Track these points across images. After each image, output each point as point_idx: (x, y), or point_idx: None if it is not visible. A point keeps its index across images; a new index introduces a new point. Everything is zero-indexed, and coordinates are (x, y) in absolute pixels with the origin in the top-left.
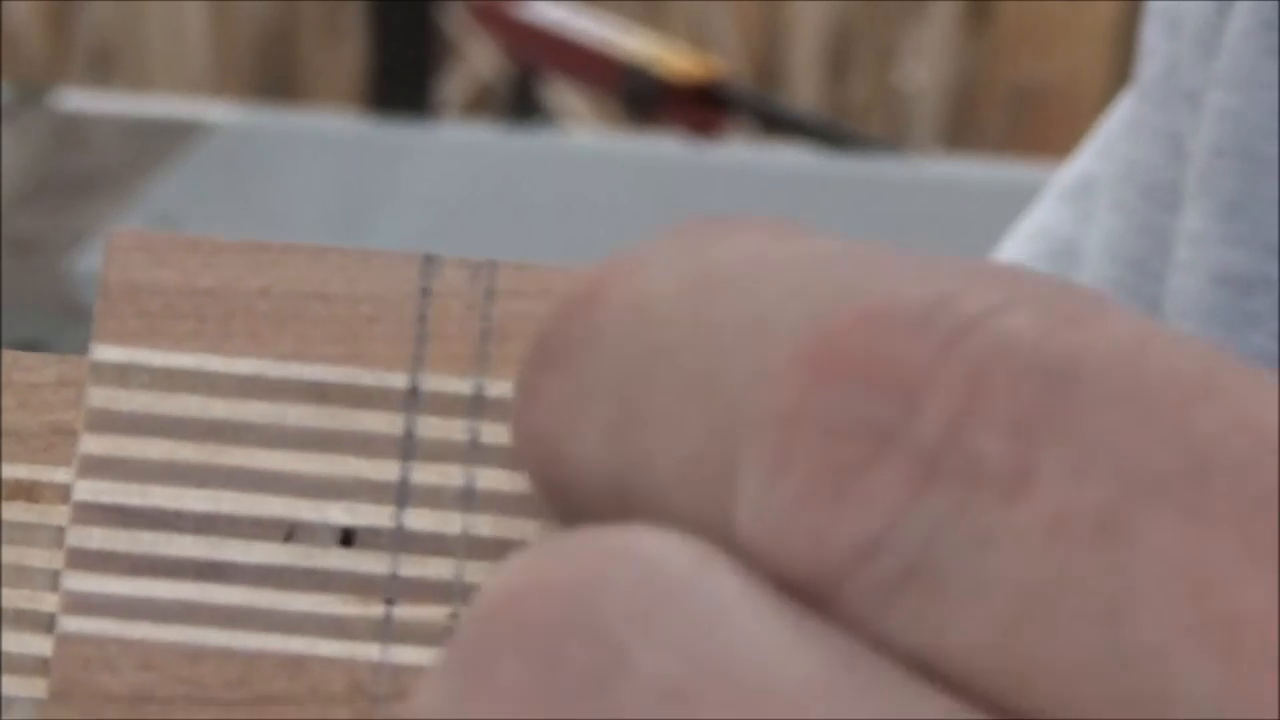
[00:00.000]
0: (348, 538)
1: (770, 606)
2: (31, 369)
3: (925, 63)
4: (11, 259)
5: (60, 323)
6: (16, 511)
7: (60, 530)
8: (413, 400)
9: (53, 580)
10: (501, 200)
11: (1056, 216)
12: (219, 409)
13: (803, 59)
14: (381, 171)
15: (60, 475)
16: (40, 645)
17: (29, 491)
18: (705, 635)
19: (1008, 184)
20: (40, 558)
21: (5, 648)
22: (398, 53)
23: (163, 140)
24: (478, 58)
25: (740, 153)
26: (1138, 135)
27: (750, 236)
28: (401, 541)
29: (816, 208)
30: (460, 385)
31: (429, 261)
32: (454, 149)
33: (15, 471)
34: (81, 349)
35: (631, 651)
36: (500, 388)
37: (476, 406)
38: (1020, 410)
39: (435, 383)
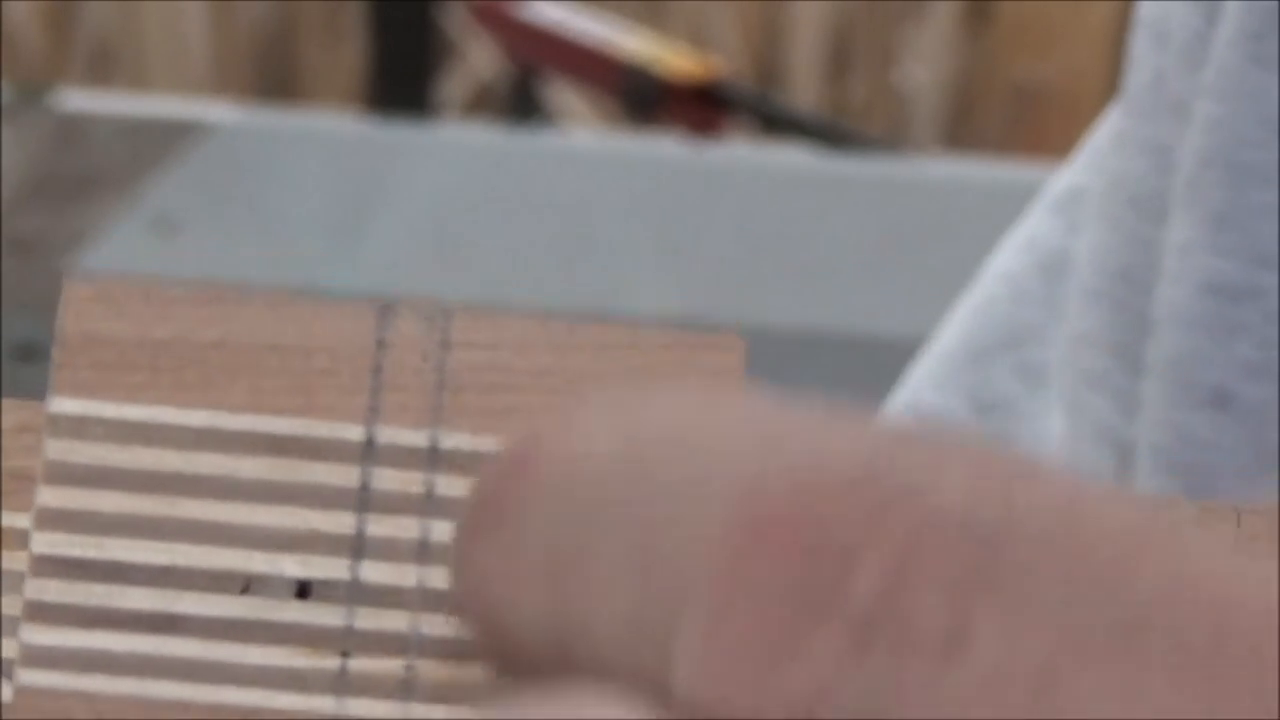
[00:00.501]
0: (303, 590)
1: None
2: None
3: (925, 63)
4: (11, 259)
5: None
6: None
7: (21, 576)
8: (368, 452)
9: (13, 627)
10: (501, 200)
11: (1046, 228)
12: (174, 461)
13: (803, 59)
14: (381, 171)
15: (20, 521)
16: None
17: None
18: None
19: (1008, 184)
20: (3, 604)
21: None
22: (398, 53)
23: (163, 140)
24: (478, 58)
25: (740, 153)
26: (1125, 147)
27: (680, 400)
28: (357, 594)
29: (816, 208)
30: (416, 437)
31: (384, 311)
32: (454, 149)
33: None
34: None
35: None
36: (455, 439)
37: (432, 458)
38: (953, 572)
39: (391, 435)
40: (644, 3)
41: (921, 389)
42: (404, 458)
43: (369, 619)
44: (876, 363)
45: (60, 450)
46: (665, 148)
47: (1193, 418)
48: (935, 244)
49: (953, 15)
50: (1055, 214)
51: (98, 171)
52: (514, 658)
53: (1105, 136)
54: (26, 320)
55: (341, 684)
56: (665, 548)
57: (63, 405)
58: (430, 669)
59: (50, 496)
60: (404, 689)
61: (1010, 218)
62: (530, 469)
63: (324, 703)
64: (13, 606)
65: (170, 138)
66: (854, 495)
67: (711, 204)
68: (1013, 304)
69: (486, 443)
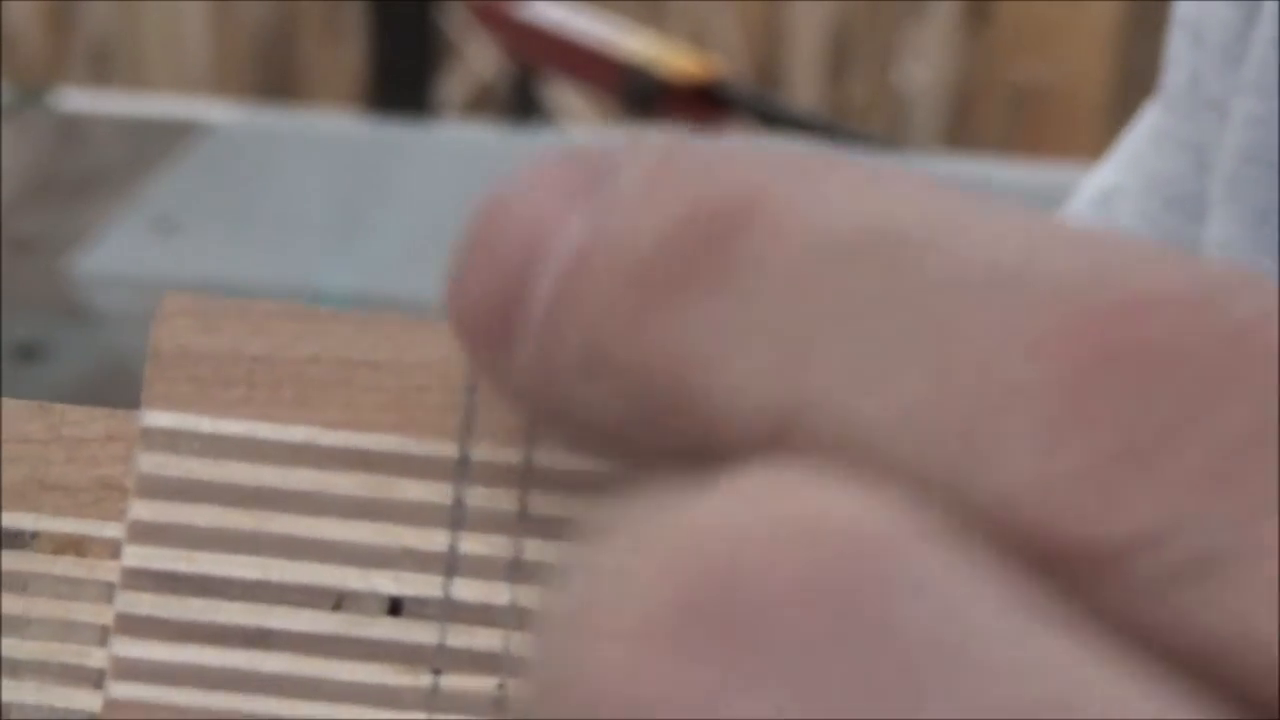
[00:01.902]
0: (395, 607)
1: (1017, 597)
2: (80, 423)
3: (925, 63)
4: (11, 259)
5: (60, 323)
6: (65, 566)
7: (108, 585)
8: (462, 469)
9: (100, 635)
10: None
11: None
12: (267, 476)
13: (803, 59)
14: (381, 171)
15: (108, 530)
16: (87, 700)
17: (78, 546)
18: (948, 636)
19: (1008, 184)
20: (88, 612)
21: (54, 703)
22: (398, 53)
23: (163, 140)
24: (478, 58)
25: None
26: (1162, 146)
27: (924, 190)
28: (449, 611)
29: None
30: (509, 454)
31: None
32: (454, 149)
33: (64, 526)
34: (82, 350)
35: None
36: (550, 458)
37: (526, 476)
38: None
39: (485, 452)
40: (644, 3)
41: None
42: (498, 475)
43: (461, 637)
44: None
45: (153, 464)
46: None
47: None
48: None
49: (953, 15)
50: (1092, 214)
51: (98, 171)
52: (693, 441)
53: (1141, 136)
54: (26, 320)
55: (433, 701)
56: (968, 342)
57: (156, 419)
58: (523, 687)
59: (143, 510)
60: (496, 707)
61: None
62: (759, 230)
63: (417, 719)
64: (103, 616)
65: (170, 138)
66: (1206, 319)
67: None
68: None
69: (580, 460)
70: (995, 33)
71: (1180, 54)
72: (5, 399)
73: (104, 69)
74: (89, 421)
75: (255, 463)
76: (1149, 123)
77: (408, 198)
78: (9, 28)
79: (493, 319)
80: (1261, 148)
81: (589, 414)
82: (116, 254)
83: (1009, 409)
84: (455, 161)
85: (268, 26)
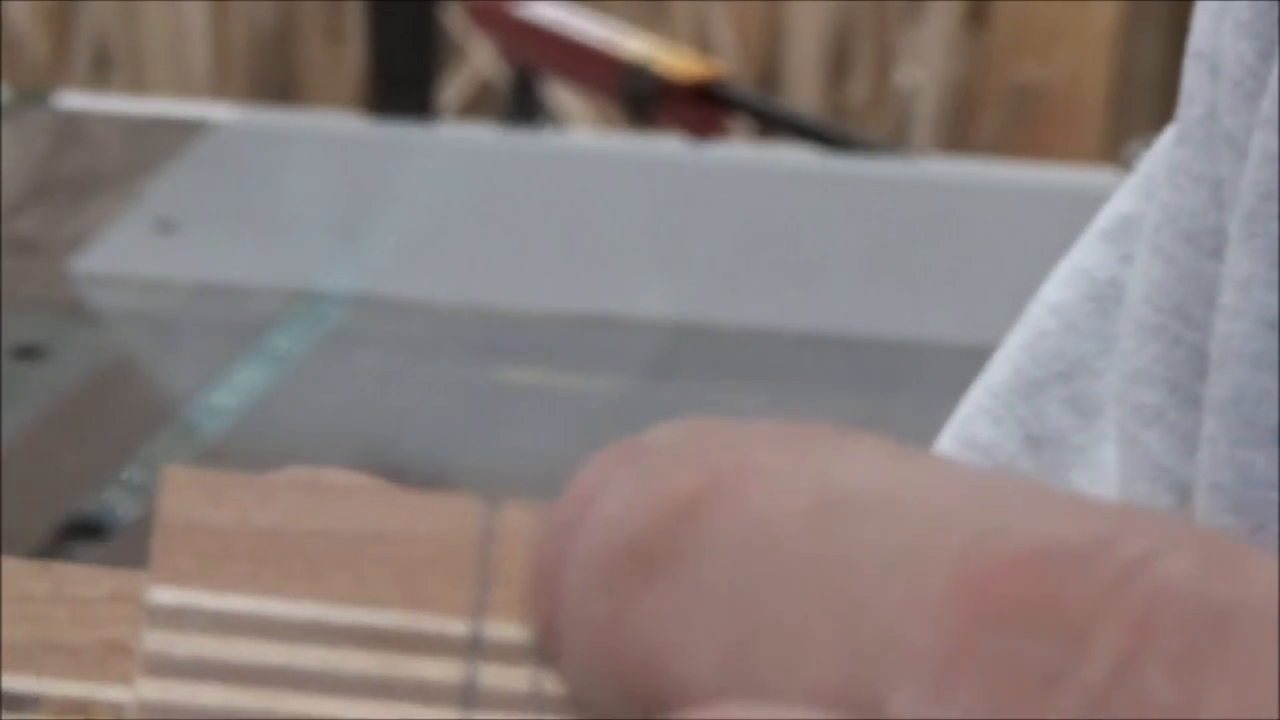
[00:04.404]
0: None
1: None
2: (85, 583)
3: (925, 63)
4: (11, 259)
5: (60, 323)
6: None
7: None
8: (474, 647)
9: None
10: (501, 200)
11: (1096, 258)
12: (275, 654)
13: (802, 60)
14: (381, 172)
15: (113, 693)
16: None
17: (82, 709)
18: None
19: (1008, 184)
20: None
21: None
22: (397, 53)
23: (163, 140)
24: (478, 58)
25: (740, 153)
26: (1178, 180)
27: (871, 456)
28: None
29: (816, 208)
30: (523, 633)
31: (492, 503)
32: (454, 149)
33: (69, 689)
34: (82, 351)
35: None
36: None
37: (541, 655)
38: (1186, 649)
39: (498, 629)
40: (644, 3)
41: (974, 423)
42: (511, 653)
43: None
44: (876, 363)
45: (159, 642)
46: (665, 148)
47: (1255, 456)
48: (935, 244)
49: (953, 16)
50: (1106, 243)
51: (98, 171)
52: (661, 705)
53: (1156, 167)
54: (26, 320)
55: None
56: (875, 613)
57: (162, 595)
58: None
59: (149, 689)
60: None
61: (1010, 218)
62: (707, 513)
63: None
64: None
65: (170, 138)
66: (1083, 568)
67: (711, 204)
68: (1063, 336)
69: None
70: (995, 33)
71: (1196, 87)
72: (7, 558)
73: (104, 71)
74: (95, 581)
75: (263, 640)
76: (1162, 155)
77: (408, 198)
78: (9, 28)
79: (538, 601)
80: None
81: (592, 693)
82: (116, 254)
83: (903, 676)
84: (455, 162)
85: (268, 27)
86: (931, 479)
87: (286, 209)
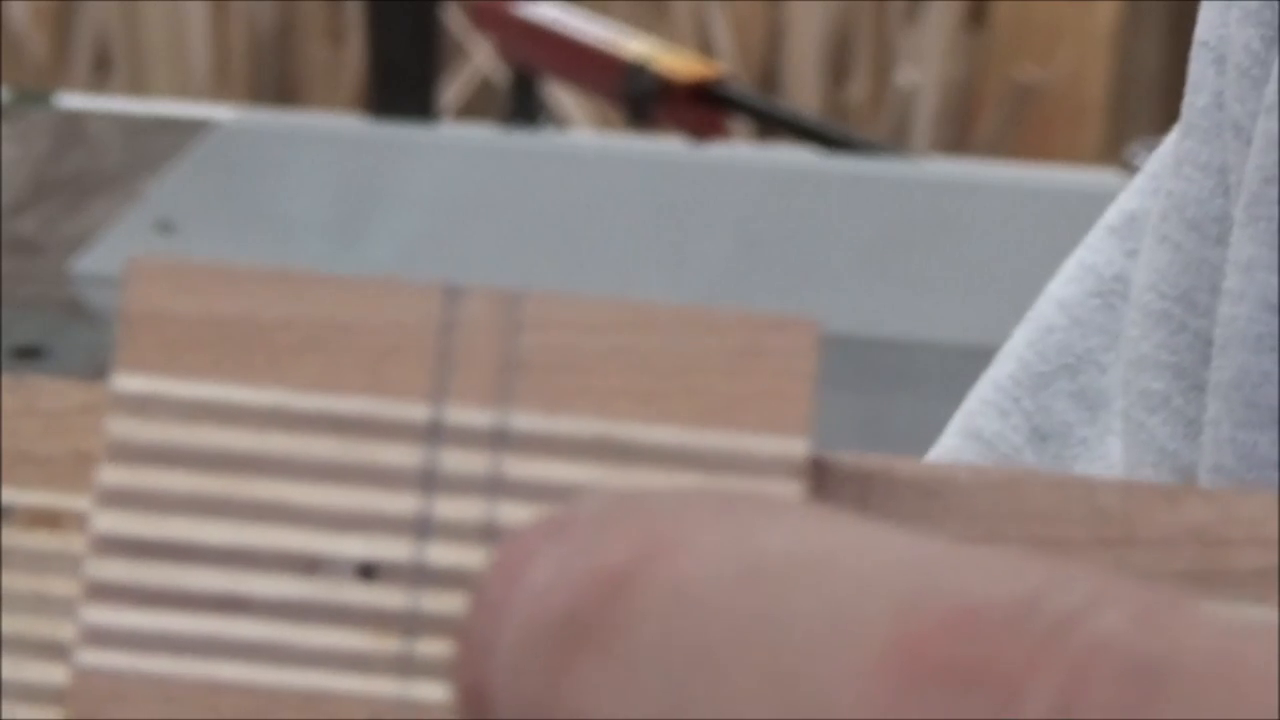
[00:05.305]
0: (368, 571)
1: None
2: (56, 394)
3: (925, 63)
4: (11, 259)
5: (61, 324)
6: (39, 540)
7: (80, 558)
8: (435, 433)
9: (71, 608)
10: (501, 200)
11: (1103, 253)
12: (239, 440)
13: (802, 60)
14: (381, 172)
15: (83, 503)
16: (60, 675)
17: (51, 520)
18: None
19: (1008, 184)
20: (62, 587)
21: (25, 677)
22: (398, 53)
23: (163, 140)
24: (478, 58)
25: (740, 153)
26: (1184, 169)
27: (795, 523)
28: (422, 576)
29: (816, 208)
30: (483, 417)
31: (453, 291)
32: (454, 149)
33: (38, 499)
34: (82, 351)
35: None
36: (525, 420)
37: (500, 439)
38: (1118, 706)
39: (457, 415)
40: (644, 4)
41: (980, 417)
42: (471, 438)
43: (435, 601)
44: (876, 363)
45: (124, 428)
46: (665, 148)
47: (1258, 437)
48: (935, 244)
49: (953, 16)
50: (1112, 239)
51: (98, 171)
52: None
53: (1163, 160)
54: (26, 320)
55: (406, 667)
56: (807, 683)
57: (127, 383)
58: None
59: (113, 475)
60: None
61: (1010, 218)
62: (635, 587)
63: (389, 685)
64: (73, 589)
65: (170, 138)
66: (1014, 626)
67: (711, 204)
68: (1070, 331)
69: (557, 423)
70: (995, 33)
71: (1202, 77)
72: None
73: (104, 71)
74: (66, 392)
75: (226, 427)
76: (1170, 146)
77: (408, 198)
78: (9, 29)
79: (468, 673)
80: None
81: None
82: (116, 254)
83: None
84: (455, 162)
85: (268, 27)
86: (860, 542)
87: (286, 209)
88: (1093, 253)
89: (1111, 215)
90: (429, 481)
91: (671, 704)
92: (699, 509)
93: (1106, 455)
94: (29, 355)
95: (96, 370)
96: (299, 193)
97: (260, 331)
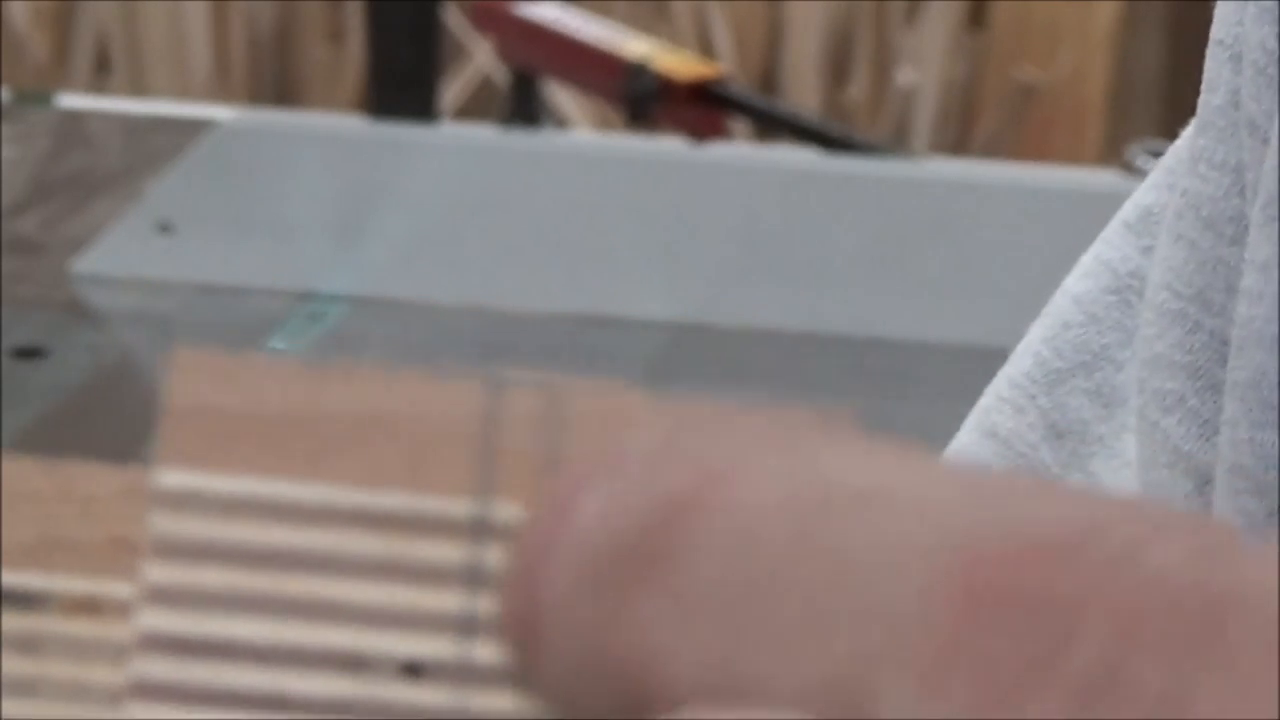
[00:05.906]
0: (414, 670)
1: None
2: (93, 480)
3: (925, 63)
4: (11, 259)
5: (62, 324)
6: (79, 627)
7: (122, 647)
8: (478, 528)
9: (113, 698)
10: (501, 200)
11: (1118, 250)
12: (282, 536)
13: (802, 60)
14: (381, 172)
15: (122, 589)
16: None
17: (91, 607)
18: None
19: (1007, 185)
20: (102, 674)
21: None
22: (398, 54)
23: (163, 140)
24: (478, 58)
25: (740, 153)
26: (1200, 167)
27: (859, 451)
28: (468, 674)
29: (816, 208)
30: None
31: (495, 383)
32: (454, 149)
33: (76, 585)
34: (83, 351)
35: None
36: None
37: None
38: (1175, 640)
39: (502, 510)
40: (644, 3)
41: (995, 413)
42: (515, 533)
43: (481, 699)
44: (876, 363)
45: (166, 524)
46: (665, 148)
47: (1274, 438)
48: (935, 244)
49: (953, 16)
50: (1128, 235)
51: (98, 172)
52: (650, 706)
53: (1178, 157)
54: (26, 320)
55: None
56: (867, 606)
57: (168, 478)
58: None
59: (156, 572)
60: None
61: (1010, 218)
62: (692, 514)
63: None
64: (116, 678)
65: (170, 138)
66: (1075, 559)
67: (711, 204)
68: (1086, 327)
69: None
70: (995, 33)
71: (1218, 75)
72: (11, 455)
73: (104, 71)
74: (100, 478)
75: (269, 522)
76: (1185, 144)
77: (408, 198)
78: (9, 29)
79: (518, 608)
80: None
81: (577, 695)
82: (116, 254)
83: (896, 665)
84: (455, 162)
85: (268, 28)
86: (919, 474)
87: (286, 209)
88: (1109, 248)
89: (1127, 210)
90: (473, 578)
91: (727, 633)
92: (756, 440)
93: (1122, 452)
94: (29, 355)
95: (97, 370)
96: (299, 193)
97: (302, 425)
